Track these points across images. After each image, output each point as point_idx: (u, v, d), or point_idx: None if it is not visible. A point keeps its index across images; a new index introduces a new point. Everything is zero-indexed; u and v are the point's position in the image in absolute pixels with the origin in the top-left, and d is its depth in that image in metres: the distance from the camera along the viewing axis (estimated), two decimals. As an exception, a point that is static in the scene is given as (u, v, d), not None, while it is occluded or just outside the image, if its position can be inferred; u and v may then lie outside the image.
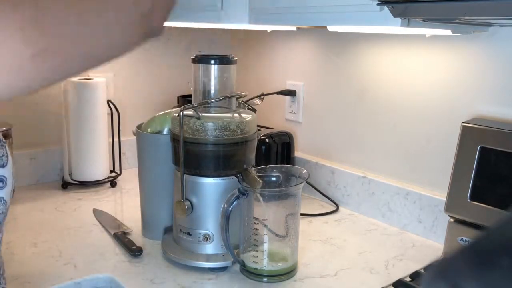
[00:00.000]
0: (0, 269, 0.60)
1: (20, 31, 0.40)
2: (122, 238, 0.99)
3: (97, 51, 0.48)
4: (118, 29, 0.50)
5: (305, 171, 0.90)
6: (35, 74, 0.43)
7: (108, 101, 1.34)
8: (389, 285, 0.85)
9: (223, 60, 0.89)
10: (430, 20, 0.73)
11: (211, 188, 0.89)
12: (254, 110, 0.97)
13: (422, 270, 0.89)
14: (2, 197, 0.54)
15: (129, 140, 1.41)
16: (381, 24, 0.73)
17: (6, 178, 0.55)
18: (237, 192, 0.84)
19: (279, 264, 0.88)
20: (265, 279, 0.87)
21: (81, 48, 0.46)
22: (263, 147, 1.23)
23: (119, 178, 1.38)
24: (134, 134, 1.03)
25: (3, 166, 0.54)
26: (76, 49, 0.46)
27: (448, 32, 0.86)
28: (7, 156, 0.55)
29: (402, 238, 1.07)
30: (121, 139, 1.37)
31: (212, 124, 0.87)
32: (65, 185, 1.32)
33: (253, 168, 0.92)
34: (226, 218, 0.84)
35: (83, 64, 0.47)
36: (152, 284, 0.85)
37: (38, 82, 0.44)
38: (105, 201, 1.25)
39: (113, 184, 1.35)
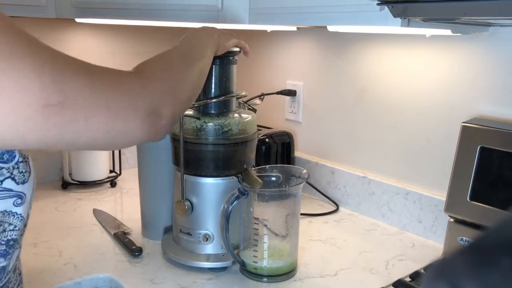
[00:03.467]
0: (16, 282, 0.59)
1: (37, 78, 0.42)
2: (122, 238, 0.99)
3: (100, 127, 0.48)
4: (127, 116, 0.51)
5: (305, 171, 0.90)
6: (44, 128, 0.43)
7: (108, 101, 1.33)
8: (389, 285, 0.85)
9: (223, 60, 0.89)
10: (430, 20, 0.73)
11: (211, 188, 0.89)
12: (254, 110, 0.97)
13: (422, 270, 0.89)
14: (20, 214, 0.54)
15: (129, 140, 1.40)
16: (381, 24, 0.73)
17: (25, 195, 0.54)
18: (237, 192, 0.84)
19: (279, 264, 0.88)
20: (265, 279, 0.87)
21: (87, 116, 0.47)
22: (263, 147, 1.23)
23: (119, 178, 1.38)
24: (134, 134, 1.03)
25: (23, 182, 0.54)
26: (84, 117, 0.46)
27: (448, 32, 0.86)
28: (29, 172, 0.55)
29: (402, 238, 1.07)
30: (121, 139, 1.37)
31: (212, 124, 0.87)
32: (65, 185, 1.32)
33: (253, 168, 0.92)
34: (226, 218, 0.84)
35: (88, 135, 0.48)
36: (152, 284, 0.85)
37: (50, 138, 0.45)
38: (105, 201, 1.25)
39: (113, 184, 1.35)
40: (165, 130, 0.57)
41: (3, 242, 0.52)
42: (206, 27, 0.81)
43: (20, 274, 0.61)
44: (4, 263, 0.53)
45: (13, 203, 0.53)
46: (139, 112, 0.52)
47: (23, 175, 0.54)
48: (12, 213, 0.53)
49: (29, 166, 0.55)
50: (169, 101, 0.58)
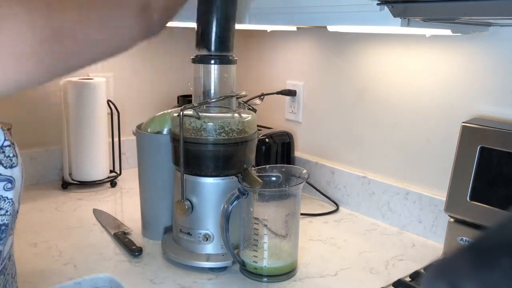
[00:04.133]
0: (12, 270, 0.59)
1: (27, 13, 0.40)
2: (122, 238, 0.99)
3: (98, 43, 0.48)
4: (118, 21, 0.49)
5: (305, 171, 0.90)
6: (42, 61, 0.43)
7: (108, 101, 1.34)
8: (389, 285, 0.85)
9: (223, 60, 0.89)
10: (430, 20, 0.73)
11: (211, 188, 0.89)
12: (254, 110, 0.97)
13: (422, 270, 0.89)
14: (11, 199, 0.54)
15: (129, 140, 1.41)
16: (381, 24, 0.73)
17: (14, 179, 0.54)
18: (237, 192, 0.84)
19: (279, 264, 0.88)
20: (265, 279, 0.87)
21: (81, 36, 0.45)
22: (263, 147, 1.23)
23: (119, 178, 1.38)
24: (134, 134, 1.03)
25: (11, 167, 0.54)
26: (79, 37, 0.45)
27: (448, 32, 0.86)
28: (16, 157, 0.55)
29: (402, 238, 1.07)
30: (121, 139, 1.37)
31: (212, 124, 0.87)
32: (65, 185, 1.32)
33: (253, 168, 0.92)
34: (226, 218, 0.84)
35: (90, 57, 0.47)
36: (152, 284, 0.85)
37: (45, 72, 0.44)
38: (105, 201, 1.25)
39: (113, 184, 1.35)
40: (159, 24, 0.55)
41: None
42: None
43: (14, 264, 0.62)
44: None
45: (3, 187, 0.53)
46: (131, 12, 0.50)
47: (11, 160, 0.54)
48: (2, 197, 0.53)
49: (16, 152, 0.55)
50: None
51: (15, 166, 0.54)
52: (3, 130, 0.54)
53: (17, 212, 0.57)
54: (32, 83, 0.44)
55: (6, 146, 0.53)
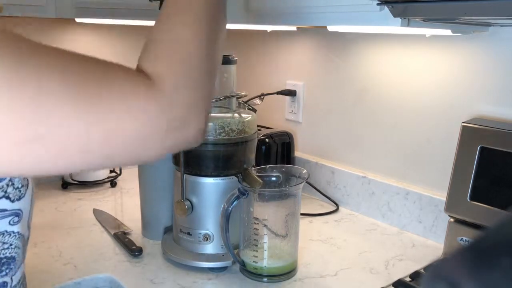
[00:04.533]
0: None
1: (6, 109, 0.35)
2: (122, 238, 0.99)
3: (101, 161, 0.42)
4: (141, 143, 0.43)
5: (305, 171, 0.90)
6: (25, 163, 0.38)
7: (108, 101, 1.33)
8: (389, 285, 0.85)
9: (223, 60, 0.89)
10: (430, 20, 0.73)
11: (211, 188, 0.89)
12: (254, 110, 0.97)
13: (422, 270, 0.89)
14: (18, 232, 0.51)
15: (129, 140, 1.40)
16: (381, 24, 0.73)
17: (22, 211, 0.51)
18: (237, 192, 0.84)
19: (279, 264, 0.88)
20: (265, 279, 0.87)
21: (79, 147, 0.40)
22: (263, 147, 1.23)
23: (119, 178, 1.38)
24: (134, 134, 1.03)
25: (19, 198, 0.50)
26: (75, 149, 0.39)
27: (448, 32, 0.86)
28: (27, 185, 0.51)
29: (402, 238, 1.07)
30: (121, 139, 1.37)
31: (212, 124, 0.87)
32: (65, 185, 1.32)
33: (253, 168, 0.92)
34: (226, 218, 0.84)
35: (82, 165, 0.41)
36: (152, 284, 0.85)
37: (26, 170, 0.40)
38: (105, 201, 1.25)
39: (113, 184, 1.35)
40: (198, 138, 0.48)
41: None
42: None
43: None
44: (0, 280, 0.51)
45: (9, 222, 0.50)
46: (157, 134, 0.43)
47: (19, 191, 0.50)
48: (7, 232, 0.50)
49: (26, 179, 0.52)
50: (196, 111, 0.46)
51: (23, 197, 0.51)
52: None
53: (27, 242, 0.55)
54: (11, 174, 0.42)
55: (15, 177, 0.49)
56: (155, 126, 0.43)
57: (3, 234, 0.50)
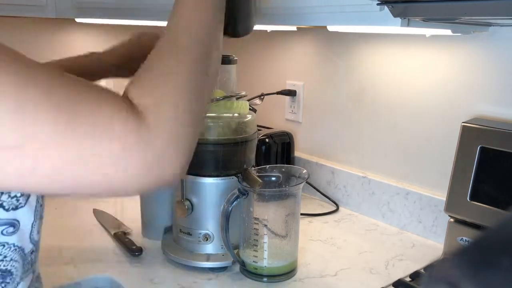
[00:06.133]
0: None
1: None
2: (122, 238, 0.99)
3: (78, 181, 0.41)
4: (116, 171, 0.42)
5: (305, 171, 0.90)
6: (1, 172, 0.38)
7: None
8: (389, 285, 0.85)
9: (223, 60, 0.89)
10: (430, 20, 0.73)
11: (211, 188, 0.89)
12: (254, 110, 0.97)
13: (422, 270, 0.89)
14: (13, 243, 0.49)
15: (129, 140, 1.40)
16: (381, 24, 0.73)
17: (19, 222, 0.48)
18: (237, 192, 0.84)
19: (279, 264, 0.88)
20: (265, 279, 0.87)
21: (57, 166, 0.39)
22: (263, 147, 1.23)
23: (119, 178, 1.38)
24: (134, 134, 1.03)
25: (15, 208, 0.48)
26: (51, 167, 0.39)
27: (448, 32, 0.86)
28: (28, 196, 0.49)
29: (402, 238, 1.07)
30: (121, 139, 1.37)
31: (212, 124, 0.87)
32: (65, 185, 1.32)
33: (253, 168, 0.92)
34: (226, 218, 0.84)
35: (60, 187, 0.41)
36: (152, 284, 0.85)
37: (11, 185, 0.40)
38: (105, 201, 1.25)
39: (113, 184, 1.35)
40: (172, 182, 0.46)
41: None
42: None
43: None
44: None
45: (1, 232, 0.48)
46: (135, 167, 0.42)
47: (16, 200, 0.48)
48: (1, 243, 0.48)
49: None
50: (175, 154, 0.45)
51: (21, 207, 0.49)
52: None
53: (32, 252, 0.52)
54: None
55: None
56: (131, 157, 0.42)
57: None
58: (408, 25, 0.72)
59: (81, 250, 0.97)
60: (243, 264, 0.88)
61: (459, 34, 0.90)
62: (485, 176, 0.88)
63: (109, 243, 1.00)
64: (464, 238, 0.93)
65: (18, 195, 0.49)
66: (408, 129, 1.10)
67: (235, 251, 0.89)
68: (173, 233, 0.96)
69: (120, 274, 0.88)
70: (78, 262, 0.92)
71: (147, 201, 1.03)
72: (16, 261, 0.50)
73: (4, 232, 0.48)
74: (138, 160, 0.42)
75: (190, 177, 0.89)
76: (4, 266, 0.49)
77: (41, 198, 0.52)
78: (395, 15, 0.70)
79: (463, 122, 0.92)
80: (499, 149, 0.86)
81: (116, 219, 1.11)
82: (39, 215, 0.52)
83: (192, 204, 0.89)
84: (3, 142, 0.37)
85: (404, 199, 1.10)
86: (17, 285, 0.51)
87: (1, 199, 0.47)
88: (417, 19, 0.72)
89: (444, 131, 1.03)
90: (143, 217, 1.05)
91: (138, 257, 0.94)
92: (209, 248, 0.91)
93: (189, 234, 0.91)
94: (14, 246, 0.49)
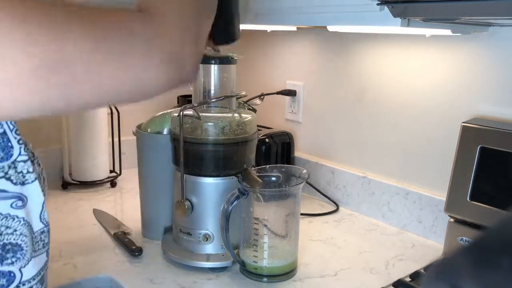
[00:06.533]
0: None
1: (25, 35, 0.38)
2: (122, 238, 0.99)
3: (113, 82, 0.44)
4: (141, 66, 0.46)
5: (305, 171, 0.90)
6: (41, 89, 0.40)
7: (108, 101, 1.33)
8: (389, 285, 0.85)
9: (223, 60, 0.89)
10: (430, 20, 0.73)
11: (211, 188, 0.89)
12: (254, 110, 0.97)
13: (422, 270, 0.89)
14: (23, 217, 0.50)
15: (129, 140, 1.40)
16: (381, 24, 0.73)
17: (26, 198, 0.50)
18: (237, 192, 0.84)
19: (279, 264, 0.88)
20: (265, 279, 0.87)
21: (94, 73, 0.42)
22: (263, 147, 1.23)
23: (119, 178, 1.38)
24: (134, 134, 1.03)
25: (23, 183, 0.50)
26: (89, 74, 0.42)
27: (448, 32, 0.86)
28: (35, 174, 0.51)
29: (402, 238, 1.07)
30: (121, 139, 1.37)
31: (212, 124, 0.87)
32: (65, 185, 1.32)
33: (253, 168, 0.92)
34: (226, 218, 0.84)
35: (98, 93, 0.44)
36: (152, 284, 0.85)
37: (48, 100, 0.41)
38: (105, 201, 1.25)
39: (113, 184, 1.35)
40: (192, 74, 0.51)
41: None
42: None
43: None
44: (4, 268, 0.50)
45: (11, 205, 0.50)
46: (155, 61, 0.47)
47: (23, 176, 0.50)
48: (10, 216, 0.50)
49: (36, 168, 0.52)
50: (192, 43, 0.50)
51: (28, 183, 0.50)
52: (22, 143, 0.51)
53: (43, 232, 0.53)
54: (23, 113, 0.41)
55: (19, 161, 0.50)
56: (147, 50, 0.46)
57: (7, 217, 0.50)
58: (408, 25, 0.73)
59: (81, 250, 0.97)
60: (243, 264, 0.88)
61: (459, 34, 0.90)
62: (485, 176, 0.88)
63: (109, 243, 1.00)
64: (464, 238, 0.93)
65: (24, 171, 0.50)
66: (408, 129, 1.10)
67: (235, 251, 0.89)
68: (173, 233, 0.96)
69: (120, 274, 0.88)
70: (78, 262, 0.92)
71: (147, 201, 1.03)
72: (25, 235, 0.51)
73: (14, 205, 0.50)
74: (155, 53, 0.47)
75: (190, 177, 0.89)
76: (14, 240, 0.50)
77: (45, 175, 0.54)
78: (395, 15, 0.70)
79: (463, 122, 0.92)
80: (499, 149, 0.86)
81: (116, 219, 1.11)
82: (45, 195, 0.54)
83: (192, 204, 0.89)
84: (37, 61, 0.39)
85: (404, 199, 1.10)
86: (28, 262, 0.52)
87: (9, 173, 0.49)
88: (417, 19, 0.72)
89: (444, 131, 1.03)
90: (143, 217, 1.05)
91: (138, 257, 0.94)
92: (209, 248, 0.91)
93: (189, 234, 0.91)
94: (23, 220, 0.51)
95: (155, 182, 1.00)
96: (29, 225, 0.52)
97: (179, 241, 0.93)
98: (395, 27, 0.73)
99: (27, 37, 0.38)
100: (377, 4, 0.70)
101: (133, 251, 0.94)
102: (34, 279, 0.53)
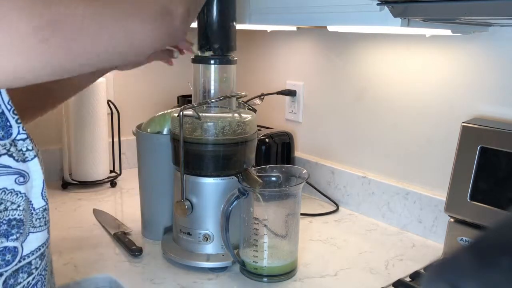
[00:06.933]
0: (47, 267, 0.57)
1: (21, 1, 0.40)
2: (122, 238, 0.99)
3: (111, 38, 0.47)
4: (135, 18, 0.49)
5: (305, 171, 0.90)
6: (43, 51, 0.42)
7: (108, 101, 1.34)
8: (389, 285, 0.85)
9: (223, 60, 0.89)
10: (430, 20, 0.73)
11: (211, 188, 0.89)
12: (254, 110, 0.97)
13: (422, 270, 0.89)
14: (24, 193, 0.52)
15: (129, 140, 1.41)
16: (381, 24, 0.73)
17: (28, 175, 0.52)
18: (237, 192, 0.84)
19: (279, 264, 0.88)
20: (265, 279, 0.87)
21: (92, 29, 0.45)
22: (263, 147, 1.23)
23: (119, 178, 1.38)
24: (134, 134, 1.03)
25: (24, 161, 0.52)
26: (87, 30, 0.45)
27: (448, 32, 0.86)
28: (34, 152, 0.53)
29: (402, 238, 1.07)
30: (121, 139, 1.37)
31: (212, 124, 0.87)
32: (65, 185, 1.32)
33: (253, 168, 0.92)
34: (226, 218, 0.84)
35: (97, 50, 0.47)
36: (152, 284, 0.85)
37: (52, 62, 0.43)
38: (105, 201, 1.25)
39: (113, 184, 1.35)
40: (182, 29, 0.55)
41: (4, 222, 0.51)
42: None
43: (51, 273, 0.59)
44: (9, 244, 0.51)
45: (15, 181, 0.51)
46: (148, 15, 0.50)
47: (23, 154, 0.52)
48: (14, 191, 0.51)
49: (34, 146, 0.53)
50: (183, 2, 0.55)
51: (28, 161, 0.52)
52: (20, 122, 0.52)
53: (45, 209, 0.55)
54: (34, 74, 0.44)
55: (19, 140, 0.52)
56: (143, 8, 0.50)
57: (11, 192, 0.51)
58: (408, 25, 0.73)
59: (81, 250, 0.97)
60: (243, 264, 0.88)
61: (459, 34, 0.91)
62: (485, 176, 0.88)
63: (109, 243, 1.00)
64: (464, 238, 0.93)
65: (24, 149, 0.52)
66: (408, 129, 1.10)
67: (235, 251, 0.89)
68: (173, 233, 0.96)
69: (120, 274, 0.88)
70: (78, 262, 0.92)
71: (147, 201, 1.03)
72: (26, 211, 0.52)
73: (17, 181, 0.51)
74: (151, 6, 0.51)
75: (190, 177, 0.89)
76: (18, 215, 0.52)
77: (40, 156, 0.55)
78: (395, 15, 0.70)
79: (463, 122, 0.92)
80: (499, 149, 0.86)
81: (116, 219, 1.11)
82: (44, 171, 0.55)
83: (192, 204, 0.89)
84: (38, 22, 0.41)
85: (404, 199, 1.10)
86: (26, 237, 0.53)
87: (10, 150, 0.50)
88: (417, 19, 0.72)
89: (444, 131, 1.03)
90: (143, 217, 1.05)
91: (138, 257, 0.94)
92: (209, 248, 0.91)
93: (189, 234, 0.91)
94: (25, 196, 0.52)
95: (155, 182, 1.00)
96: (28, 201, 0.53)
97: (179, 241, 0.93)
98: (395, 27, 0.73)
99: (24, 2, 0.40)
100: (377, 4, 0.70)
101: (133, 251, 0.94)
102: (33, 254, 0.54)
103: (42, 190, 0.54)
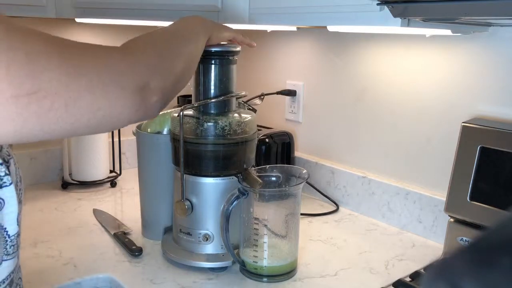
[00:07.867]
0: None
1: (5, 69, 0.41)
2: (122, 238, 0.99)
3: (86, 112, 0.47)
4: (111, 94, 0.49)
5: (305, 171, 0.90)
6: (21, 117, 0.42)
7: (108, 101, 1.33)
8: (389, 285, 0.85)
9: (223, 60, 0.89)
10: (430, 20, 0.73)
11: (211, 188, 0.89)
12: (254, 110, 0.97)
13: (422, 270, 0.89)
14: None
15: (129, 140, 1.41)
16: (381, 24, 0.73)
17: (3, 200, 0.50)
18: (237, 192, 0.84)
19: (279, 264, 0.88)
20: (265, 279, 0.87)
21: (70, 102, 0.45)
22: (263, 147, 1.23)
23: (119, 178, 1.38)
24: (134, 134, 1.03)
25: (0, 186, 0.50)
26: (64, 104, 0.45)
27: (448, 32, 0.86)
28: (9, 175, 0.51)
29: (402, 238, 1.07)
30: (121, 139, 1.37)
31: (212, 124, 0.87)
32: (65, 185, 1.32)
33: (253, 168, 0.92)
34: (226, 218, 0.84)
35: (72, 122, 0.46)
36: (152, 284, 0.85)
37: (28, 129, 0.43)
38: (105, 201, 1.25)
39: (113, 184, 1.35)
40: (157, 107, 0.56)
41: None
42: (199, 16, 0.79)
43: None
44: None
45: None
46: (127, 90, 0.51)
47: (1, 179, 0.50)
48: None
49: (10, 170, 0.51)
50: (157, 77, 0.56)
51: (5, 186, 0.50)
52: None
53: (17, 235, 0.53)
54: (18, 134, 0.43)
55: None
56: (124, 80, 0.51)
57: None
58: (408, 25, 0.72)
59: (81, 250, 0.97)
60: (243, 264, 0.88)
61: (459, 34, 0.91)
62: (485, 176, 0.88)
63: (109, 243, 1.00)
64: (464, 238, 0.93)
65: (2, 174, 0.51)
66: (408, 129, 1.10)
67: (235, 251, 0.89)
68: (173, 233, 0.96)
69: (120, 274, 0.88)
70: (78, 262, 0.92)
71: (147, 201, 1.03)
72: (0, 239, 0.51)
73: None
74: (130, 83, 0.52)
75: (190, 177, 0.89)
76: None
77: (20, 182, 0.54)
78: (395, 15, 0.70)
79: (463, 122, 0.92)
80: (499, 149, 0.86)
81: (116, 219, 1.11)
82: (22, 201, 0.55)
83: (192, 204, 0.89)
84: (23, 88, 0.42)
85: (404, 199, 1.10)
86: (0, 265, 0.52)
87: None
88: (417, 19, 0.72)
89: (444, 131, 1.03)
90: (143, 217, 1.05)
91: (138, 257, 0.94)
92: (209, 248, 0.91)
93: (189, 234, 0.91)
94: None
95: (155, 182, 1.00)
96: (3, 228, 0.51)
97: (179, 241, 0.93)
98: (395, 27, 0.73)
99: (7, 70, 0.41)
100: (377, 4, 0.70)
101: (133, 251, 0.94)
102: (4, 282, 0.52)
103: (18, 216, 0.53)
